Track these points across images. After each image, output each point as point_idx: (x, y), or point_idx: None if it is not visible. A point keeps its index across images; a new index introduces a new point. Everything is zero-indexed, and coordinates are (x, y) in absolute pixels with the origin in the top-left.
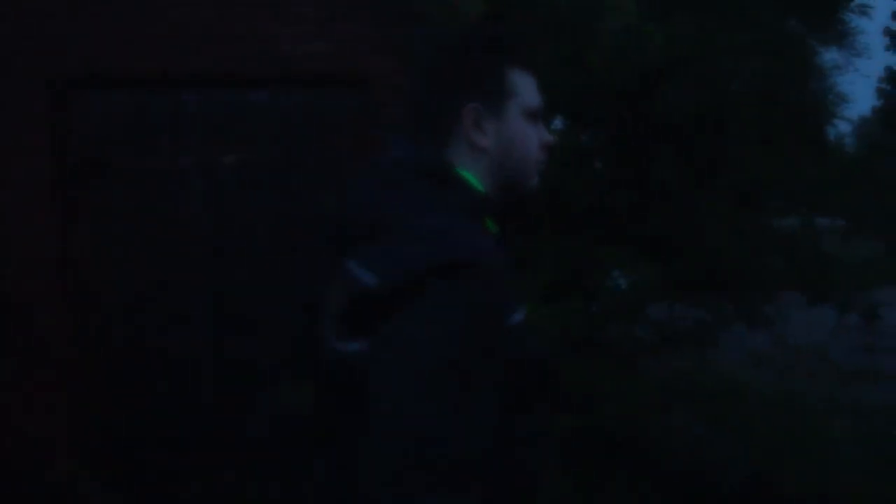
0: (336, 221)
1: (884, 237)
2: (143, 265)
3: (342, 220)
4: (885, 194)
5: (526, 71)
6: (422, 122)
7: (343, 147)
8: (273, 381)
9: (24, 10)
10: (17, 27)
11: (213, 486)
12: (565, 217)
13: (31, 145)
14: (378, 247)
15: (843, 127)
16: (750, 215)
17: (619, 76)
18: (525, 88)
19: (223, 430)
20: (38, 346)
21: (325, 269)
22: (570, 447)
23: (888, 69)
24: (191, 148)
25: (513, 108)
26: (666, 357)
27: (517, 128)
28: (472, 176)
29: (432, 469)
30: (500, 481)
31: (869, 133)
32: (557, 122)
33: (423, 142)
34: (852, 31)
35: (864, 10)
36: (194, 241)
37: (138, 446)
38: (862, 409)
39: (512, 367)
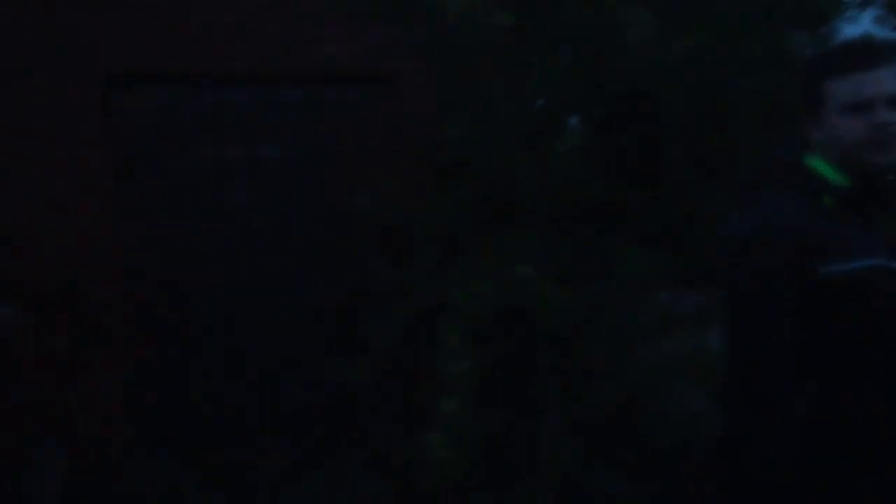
0: None
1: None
2: (189, 251)
3: None
4: None
5: (843, 76)
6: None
7: (372, 142)
8: (313, 359)
9: (79, 7)
10: (72, 24)
11: (255, 451)
12: (579, 208)
13: (86, 139)
14: None
15: None
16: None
17: (636, 81)
18: (839, 91)
19: (265, 402)
20: (95, 324)
21: None
22: (577, 419)
23: None
24: (232, 142)
25: (828, 110)
26: (668, 337)
27: (833, 123)
28: (821, 162)
29: None
30: None
31: None
32: (574, 121)
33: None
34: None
35: (851, 19)
36: (236, 229)
37: (187, 415)
38: None
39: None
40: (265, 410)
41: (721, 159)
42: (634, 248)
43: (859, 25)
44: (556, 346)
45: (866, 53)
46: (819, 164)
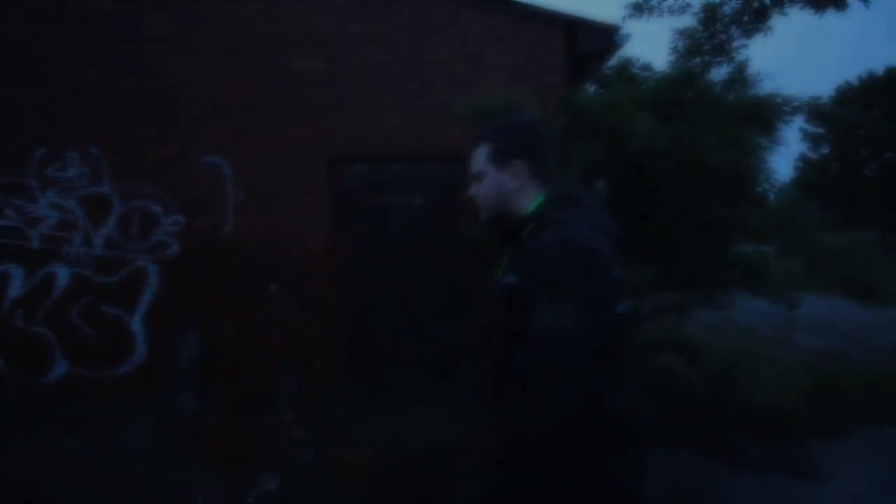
0: None
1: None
2: (373, 257)
3: None
4: (800, 232)
5: (478, 146)
6: None
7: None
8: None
9: (304, 108)
10: (303, 121)
11: (402, 374)
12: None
13: (316, 191)
14: None
15: (771, 189)
16: (717, 241)
17: (641, 157)
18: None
19: (411, 346)
20: (315, 295)
21: None
22: None
23: (801, 153)
24: (397, 194)
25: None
26: (656, 323)
27: None
28: None
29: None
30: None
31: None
32: (600, 182)
33: None
34: (780, 131)
35: (787, 120)
36: (397, 245)
37: (370, 353)
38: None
39: None
40: (411, 350)
41: (696, 207)
42: (638, 263)
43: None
44: None
45: (474, 136)
46: None
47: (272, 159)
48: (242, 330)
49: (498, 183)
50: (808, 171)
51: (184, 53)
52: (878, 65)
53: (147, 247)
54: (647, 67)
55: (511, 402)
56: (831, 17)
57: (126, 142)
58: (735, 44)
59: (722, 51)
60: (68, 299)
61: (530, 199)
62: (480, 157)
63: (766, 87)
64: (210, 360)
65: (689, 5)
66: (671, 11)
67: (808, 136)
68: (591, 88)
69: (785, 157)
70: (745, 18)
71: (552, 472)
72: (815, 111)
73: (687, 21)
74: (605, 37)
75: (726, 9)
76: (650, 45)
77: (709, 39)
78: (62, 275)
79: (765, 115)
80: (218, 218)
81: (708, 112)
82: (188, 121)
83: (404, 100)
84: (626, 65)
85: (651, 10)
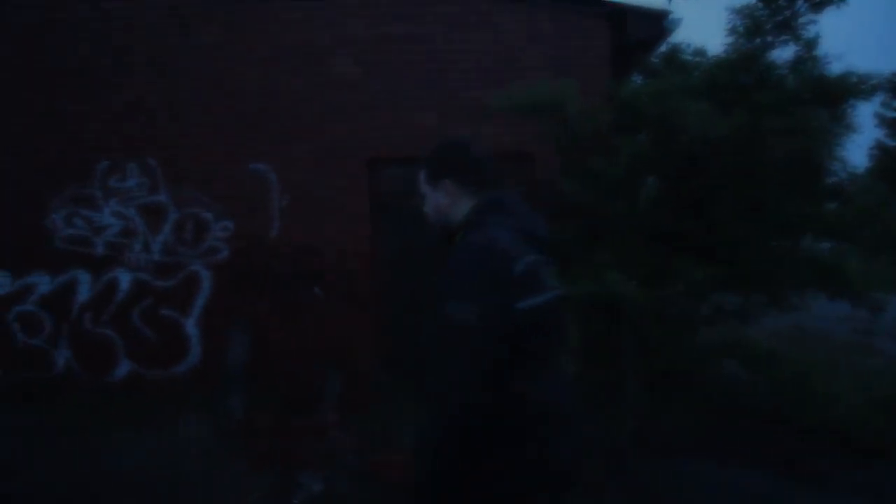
0: None
1: (885, 257)
2: (416, 255)
3: None
4: (885, 229)
5: (420, 171)
6: None
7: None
8: None
9: (343, 112)
10: (342, 125)
11: None
12: (653, 234)
13: (356, 193)
14: None
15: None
16: (784, 239)
17: (693, 150)
18: None
19: None
20: (356, 294)
21: None
22: (650, 384)
23: (876, 140)
24: None
25: None
26: (718, 328)
27: None
28: None
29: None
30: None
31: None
32: (651, 179)
33: None
34: (854, 114)
35: (866, 99)
36: (438, 248)
37: (407, 355)
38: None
39: None
40: None
41: (760, 201)
42: (693, 263)
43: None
44: (635, 328)
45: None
46: None
47: (313, 164)
48: (288, 332)
49: (434, 200)
50: (885, 160)
51: (231, 64)
52: None
53: (200, 252)
54: (699, 53)
55: (426, 388)
56: None
57: (179, 152)
58: (802, 20)
59: (787, 28)
60: (130, 303)
61: (462, 210)
62: (421, 180)
63: (838, 67)
64: (257, 362)
65: None
66: None
67: (884, 122)
68: (638, 79)
69: (859, 144)
70: None
71: (468, 456)
72: None
73: None
74: (654, 24)
75: None
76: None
77: (771, 17)
78: (124, 279)
79: (836, 96)
80: (264, 223)
81: (771, 97)
82: (235, 129)
83: (441, 99)
84: (676, 51)
85: None
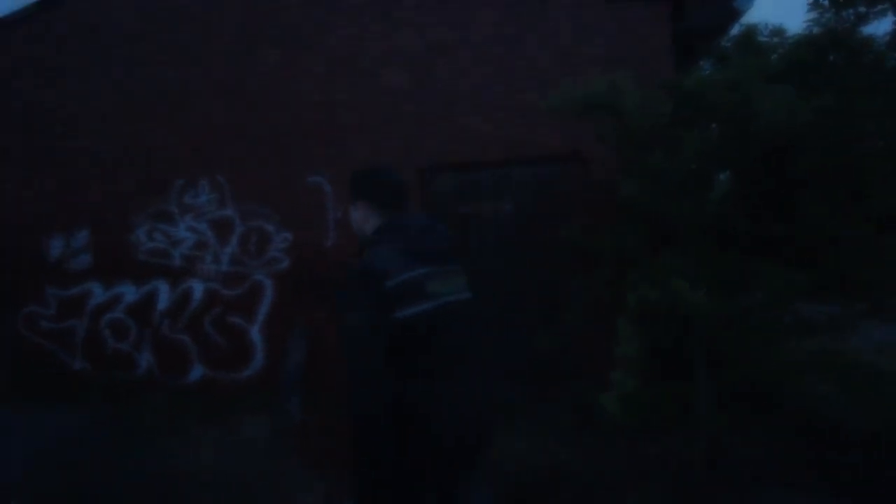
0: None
1: None
2: (467, 263)
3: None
4: None
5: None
6: None
7: (572, 197)
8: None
9: (394, 122)
10: (393, 134)
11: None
12: (725, 237)
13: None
14: None
15: None
16: (887, 239)
17: (772, 140)
18: None
19: (504, 350)
20: None
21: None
22: (726, 399)
23: None
24: (486, 200)
25: None
26: (805, 341)
27: None
28: None
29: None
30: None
31: None
32: (723, 175)
33: None
34: None
35: None
36: (487, 251)
37: None
38: None
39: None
40: (504, 361)
41: (856, 196)
42: (775, 268)
43: None
44: (705, 339)
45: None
46: None
47: None
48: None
49: (353, 217)
50: None
51: (290, 82)
52: None
53: (263, 262)
54: (777, 33)
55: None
56: None
57: (244, 168)
58: None
59: None
60: (202, 310)
61: (372, 227)
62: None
63: None
64: (315, 366)
65: None
66: None
67: None
68: (705, 68)
69: None
70: None
71: (380, 438)
72: None
73: None
74: (719, 7)
75: None
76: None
77: None
78: (197, 289)
79: None
80: (320, 234)
81: (866, 77)
82: (294, 145)
83: (492, 103)
84: (750, 33)
85: None
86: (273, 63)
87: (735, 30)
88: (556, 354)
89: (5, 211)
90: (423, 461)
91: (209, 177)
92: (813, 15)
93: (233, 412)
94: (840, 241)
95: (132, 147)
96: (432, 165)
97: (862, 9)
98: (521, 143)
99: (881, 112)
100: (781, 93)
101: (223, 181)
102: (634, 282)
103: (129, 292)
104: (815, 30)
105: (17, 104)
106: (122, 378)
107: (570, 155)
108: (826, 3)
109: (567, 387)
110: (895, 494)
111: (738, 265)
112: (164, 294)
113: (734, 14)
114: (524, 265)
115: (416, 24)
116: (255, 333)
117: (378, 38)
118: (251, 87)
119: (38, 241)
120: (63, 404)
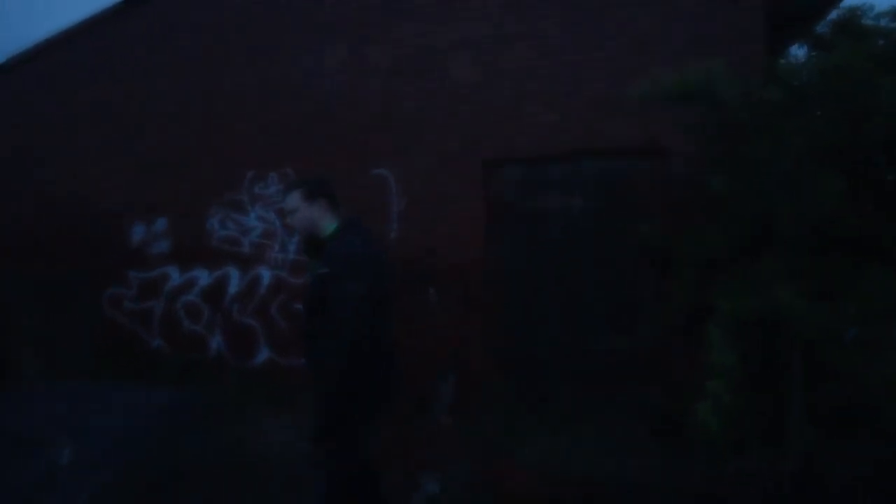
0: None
1: None
2: (525, 259)
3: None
4: None
5: (291, 191)
6: None
7: (647, 195)
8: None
9: (459, 114)
10: (458, 127)
11: (562, 385)
12: (831, 238)
13: (472, 196)
14: None
15: None
16: None
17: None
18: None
19: (565, 358)
20: (470, 293)
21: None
22: (819, 418)
23: None
24: (553, 195)
25: None
26: None
27: None
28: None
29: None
30: None
31: None
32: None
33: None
34: None
35: None
36: (553, 249)
37: (518, 356)
38: None
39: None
40: (571, 363)
41: None
42: (889, 272)
43: None
44: (804, 349)
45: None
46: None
47: (430, 167)
48: (404, 333)
49: (309, 213)
50: None
51: (355, 77)
52: None
53: None
54: (885, 15)
55: (323, 343)
56: None
57: (311, 161)
58: None
59: None
60: (270, 297)
61: (328, 224)
62: (295, 197)
63: None
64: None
65: None
66: None
67: None
68: (801, 54)
69: None
70: None
71: (355, 376)
72: None
73: None
74: None
75: None
76: None
77: None
78: (265, 276)
79: None
80: (385, 225)
81: None
82: (358, 137)
83: (560, 95)
84: (853, 17)
85: None
86: (340, 58)
87: (833, 14)
88: (623, 357)
89: (93, 200)
90: (373, 392)
91: (278, 169)
92: None
93: (293, 397)
94: None
95: (208, 142)
96: (497, 158)
97: None
98: (591, 135)
99: None
100: None
101: (291, 173)
102: (727, 287)
103: (203, 277)
104: None
105: (107, 102)
106: (195, 358)
107: (647, 148)
108: None
109: (634, 392)
110: None
111: (845, 270)
112: (235, 280)
113: None
114: (592, 263)
115: (483, 16)
116: None
117: (445, 31)
118: (318, 82)
119: (121, 227)
120: (141, 382)
